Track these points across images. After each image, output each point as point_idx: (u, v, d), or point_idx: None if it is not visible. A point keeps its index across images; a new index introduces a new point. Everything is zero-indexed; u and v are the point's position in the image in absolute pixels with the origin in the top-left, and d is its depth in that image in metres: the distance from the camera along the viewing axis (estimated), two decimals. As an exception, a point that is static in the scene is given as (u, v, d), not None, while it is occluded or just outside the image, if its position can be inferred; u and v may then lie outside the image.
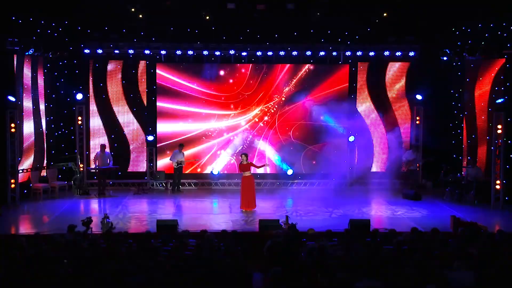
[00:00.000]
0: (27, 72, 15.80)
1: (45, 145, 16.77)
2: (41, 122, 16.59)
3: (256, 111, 17.67)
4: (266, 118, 17.70)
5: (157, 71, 17.38)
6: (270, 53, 17.22)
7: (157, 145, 17.55)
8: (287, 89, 17.62)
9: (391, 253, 8.88)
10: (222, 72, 17.49)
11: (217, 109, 17.57)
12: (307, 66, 17.56)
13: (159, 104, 17.46)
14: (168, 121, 17.47)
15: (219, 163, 17.68)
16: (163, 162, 17.50)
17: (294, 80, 17.60)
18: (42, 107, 16.65)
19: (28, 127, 15.94)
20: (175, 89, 17.39)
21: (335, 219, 13.53)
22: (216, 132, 17.65)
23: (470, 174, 15.56)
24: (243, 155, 14.74)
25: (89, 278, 7.54)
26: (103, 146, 16.57)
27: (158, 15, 16.54)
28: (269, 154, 17.77)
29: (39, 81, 16.42)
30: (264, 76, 17.55)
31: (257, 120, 17.70)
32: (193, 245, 9.55)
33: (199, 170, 17.74)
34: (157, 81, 17.41)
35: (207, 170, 17.72)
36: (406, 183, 17.13)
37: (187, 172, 17.50)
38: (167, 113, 17.47)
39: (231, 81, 17.53)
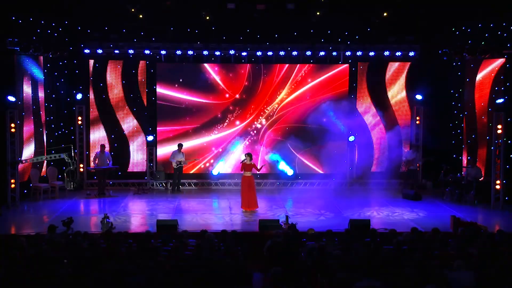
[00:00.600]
0: (27, 72, 15.79)
1: (45, 145, 16.76)
2: (41, 122, 16.58)
3: (256, 111, 17.66)
4: (266, 118, 17.69)
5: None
6: (270, 53, 17.21)
7: (158, 146, 17.58)
8: (287, 89, 17.62)
9: (391, 253, 8.88)
10: (221, 73, 17.47)
11: (217, 111, 17.56)
12: (307, 66, 17.56)
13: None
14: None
15: (218, 163, 17.66)
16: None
17: (294, 80, 17.59)
18: (42, 107, 16.64)
19: (28, 127, 15.94)
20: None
21: (335, 219, 13.52)
22: (216, 133, 17.64)
23: (470, 174, 15.56)
24: (246, 155, 14.72)
25: (89, 278, 7.54)
26: (102, 146, 16.56)
27: (158, 15, 16.53)
28: (269, 154, 17.75)
29: (39, 81, 16.41)
30: (264, 76, 17.55)
31: (257, 120, 17.69)
32: (193, 245, 9.55)
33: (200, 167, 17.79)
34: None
35: (207, 170, 17.73)
36: (406, 183, 17.14)
37: (191, 172, 17.61)
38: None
39: (230, 81, 17.52)
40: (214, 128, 17.61)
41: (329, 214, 14.09)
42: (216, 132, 17.63)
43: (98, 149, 16.72)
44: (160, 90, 17.42)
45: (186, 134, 17.55)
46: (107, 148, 17.01)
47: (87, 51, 16.94)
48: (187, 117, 17.51)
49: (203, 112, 17.55)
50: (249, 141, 17.72)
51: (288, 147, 17.71)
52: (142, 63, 17.48)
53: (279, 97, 17.64)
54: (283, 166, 17.41)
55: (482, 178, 15.55)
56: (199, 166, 17.69)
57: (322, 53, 17.30)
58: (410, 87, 17.71)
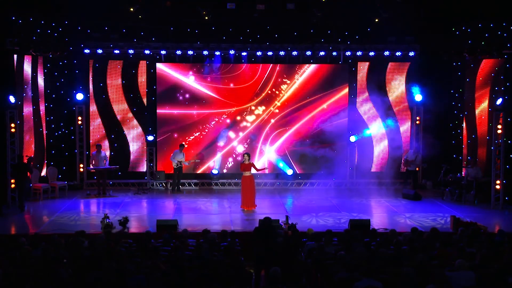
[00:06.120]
0: (27, 72, 15.80)
1: (45, 144, 16.76)
2: (41, 122, 16.58)
3: (256, 112, 17.65)
4: (265, 119, 17.67)
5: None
6: (270, 53, 17.22)
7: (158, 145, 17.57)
8: (286, 89, 17.61)
9: (391, 253, 8.89)
10: (221, 73, 17.45)
11: (217, 111, 17.56)
12: (306, 66, 17.55)
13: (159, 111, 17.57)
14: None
15: (219, 163, 17.66)
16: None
17: (294, 80, 17.59)
18: (42, 107, 16.65)
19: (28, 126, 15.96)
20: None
21: (335, 219, 13.52)
22: (216, 133, 17.65)
23: (470, 174, 15.55)
24: (245, 155, 14.73)
25: (89, 278, 7.54)
26: (98, 147, 16.52)
27: (158, 15, 16.53)
28: (268, 155, 17.75)
29: (39, 81, 16.42)
30: (264, 76, 17.54)
31: (257, 119, 17.69)
32: (193, 245, 9.56)
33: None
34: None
35: (207, 170, 17.73)
36: (406, 183, 17.15)
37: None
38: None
39: (230, 82, 17.52)
40: (215, 128, 17.62)
41: (329, 214, 14.09)
42: (217, 131, 17.64)
43: (94, 150, 16.69)
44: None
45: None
46: (106, 148, 17.02)
47: (87, 51, 16.94)
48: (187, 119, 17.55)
49: (202, 113, 17.56)
50: (250, 140, 17.71)
51: (288, 146, 17.71)
52: (142, 63, 17.47)
53: (279, 97, 17.63)
54: (279, 164, 17.47)
55: (480, 177, 15.56)
56: (200, 165, 17.69)
57: (322, 53, 17.30)
58: (410, 87, 17.70)
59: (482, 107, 16.36)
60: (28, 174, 14.76)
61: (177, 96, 17.41)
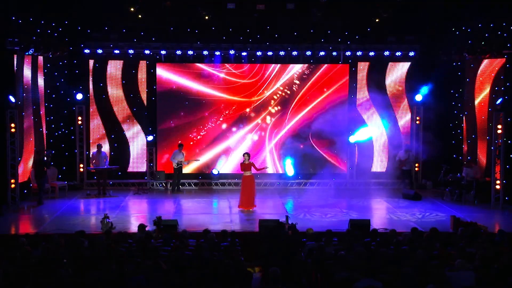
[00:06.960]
0: (27, 72, 15.78)
1: (45, 144, 16.75)
2: (41, 122, 16.58)
3: (256, 111, 17.65)
4: (266, 118, 17.68)
5: (158, 71, 17.40)
6: (270, 53, 17.22)
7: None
8: (286, 89, 17.61)
9: (391, 253, 8.89)
10: (221, 73, 17.47)
11: (217, 111, 17.56)
12: (307, 66, 17.56)
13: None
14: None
15: (219, 163, 17.66)
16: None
17: (294, 80, 17.59)
18: (42, 107, 16.64)
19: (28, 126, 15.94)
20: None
21: (335, 219, 13.53)
22: (216, 133, 17.65)
23: (469, 174, 15.56)
24: (245, 155, 14.75)
25: (89, 278, 7.54)
26: (99, 146, 16.52)
27: (158, 15, 16.53)
28: (269, 154, 17.75)
29: (39, 81, 16.40)
30: (264, 76, 17.54)
31: (257, 121, 17.69)
32: (193, 245, 9.56)
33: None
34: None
35: (208, 170, 17.73)
36: (403, 183, 17.15)
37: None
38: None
39: (230, 82, 17.52)
40: (215, 128, 17.62)
41: (329, 214, 14.09)
42: (217, 132, 17.63)
43: (94, 150, 16.68)
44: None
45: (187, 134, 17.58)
46: (106, 148, 17.02)
47: (87, 51, 16.94)
48: (187, 114, 17.54)
49: (203, 113, 17.56)
50: (250, 140, 17.72)
51: (289, 147, 17.71)
52: (142, 63, 17.47)
53: (279, 97, 17.62)
54: (287, 166, 17.46)
55: (479, 177, 15.55)
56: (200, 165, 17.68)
57: (322, 53, 17.30)
58: (410, 87, 17.71)
59: (481, 105, 16.35)
60: (45, 169, 15.28)
61: (177, 96, 17.43)
